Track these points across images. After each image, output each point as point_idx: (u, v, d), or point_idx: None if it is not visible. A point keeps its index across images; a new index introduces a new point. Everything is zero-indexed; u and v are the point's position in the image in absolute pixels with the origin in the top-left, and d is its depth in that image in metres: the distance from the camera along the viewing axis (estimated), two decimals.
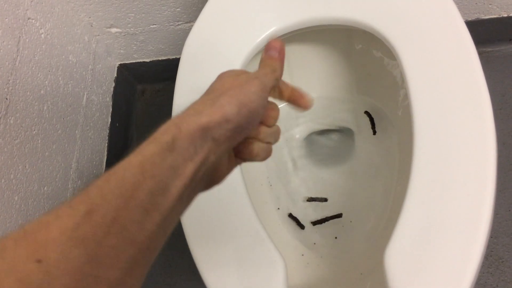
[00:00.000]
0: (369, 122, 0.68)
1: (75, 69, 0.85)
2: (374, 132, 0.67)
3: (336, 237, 0.64)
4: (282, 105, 0.69)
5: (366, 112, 0.69)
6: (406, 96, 0.52)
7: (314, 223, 0.65)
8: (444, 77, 0.50)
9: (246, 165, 0.60)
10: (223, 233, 0.49)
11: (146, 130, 1.09)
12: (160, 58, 1.02)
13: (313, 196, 0.67)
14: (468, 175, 0.45)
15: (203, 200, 0.45)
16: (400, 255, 0.43)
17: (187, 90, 0.58)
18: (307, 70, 0.69)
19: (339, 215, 0.64)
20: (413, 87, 0.51)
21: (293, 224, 0.64)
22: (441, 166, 0.46)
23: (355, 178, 0.68)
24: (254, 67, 0.59)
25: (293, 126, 0.72)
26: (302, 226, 0.64)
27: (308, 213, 0.66)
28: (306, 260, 0.60)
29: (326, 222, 0.65)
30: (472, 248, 0.42)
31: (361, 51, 0.66)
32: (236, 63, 0.57)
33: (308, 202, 0.67)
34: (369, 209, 0.63)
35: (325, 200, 0.67)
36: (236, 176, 0.51)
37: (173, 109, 0.58)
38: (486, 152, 0.46)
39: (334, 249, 0.62)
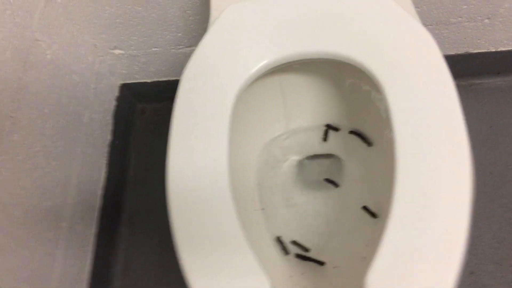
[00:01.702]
0: (356, 146, 0.72)
1: (78, 88, 0.89)
2: (369, 144, 0.70)
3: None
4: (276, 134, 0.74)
5: (352, 132, 0.72)
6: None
7: (298, 256, 0.67)
8: (424, 110, 0.54)
9: (238, 189, 0.64)
10: (212, 253, 0.52)
11: (144, 147, 1.13)
12: (160, 79, 1.05)
13: (298, 239, 0.69)
14: (445, 208, 0.48)
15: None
16: (381, 279, 0.46)
17: (185, 110, 0.62)
18: (300, 99, 0.73)
19: (321, 263, 0.66)
20: (396, 122, 0.54)
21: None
22: (420, 197, 0.49)
23: (343, 208, 0.71)
24: (246, 97, 0.62)
25: (286, 153, 0.75)
26: (286, 252, 0.67)
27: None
28: (295, 281, 0.63)
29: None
30: (447, 275, 0.45)
31: (351, 83, 0.70)
32: (231, 91, 0.61)
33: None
34: (355, 253, 0.65)
35: (306, 250, 0.69)
36: (226, 202, 0.54)
37: (171, 128, 0.61)
38: (461, 188, 0.49)
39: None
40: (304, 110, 0.74)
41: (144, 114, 1.14)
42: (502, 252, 0.92)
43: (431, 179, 0.50)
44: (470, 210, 0.48)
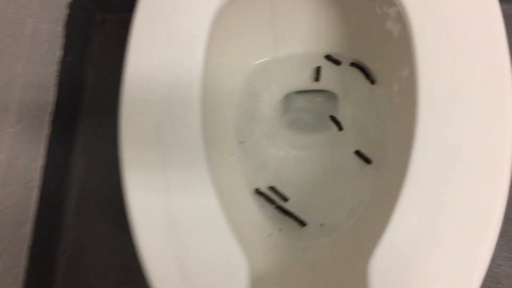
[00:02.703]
0: (357, 82, 0.59)
1: None
2: (372, 82, 0.58)
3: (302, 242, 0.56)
4: (260, 61, 0.60)
5: (354, 64, 0.59)
6: (408, 71, 0.44)
7: (278, 208, 0.57)
8: (461, 59, 0.41)
9: (212, 131, 0.52)
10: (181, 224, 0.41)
11: (104, 66, 0.97)
12: None
13: (277, 179, 0.59)
14: (477, 179, 0.38)
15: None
16: (387, 267, 0.36)
17: (149, 19, 0.48)
18: (293, 22, 0.59)
19: (303, 223, 0.56)
20: (423, 67, 0.42)
21: (260, 200, 0.57)
22: (445, 163, 0.39)
23: (334, 154, 0.60)
24: (227, 13, 0.47)
25: (270, 84, 0.62)
26: (272, 202, 0.57)
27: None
28: (273, 242, 0.53)
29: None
30: (473, 270, 0.35)
31: (358, 3, 0.56)
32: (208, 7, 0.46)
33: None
34: (344, 204, 0.55)
35: (285, 200, 0.59)
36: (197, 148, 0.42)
37: (129, 43, 0.48)
38: (500, 155, 0.38)
39: (299, 245, 0.54)
40: (297, 34, 0.60)
41: (104, 26, 0.96)
42: None
43: (462, 143, 0.39)
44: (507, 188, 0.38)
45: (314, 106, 0.65)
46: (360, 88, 0.59)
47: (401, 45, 0.51)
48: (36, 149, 0.78)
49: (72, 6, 0.86)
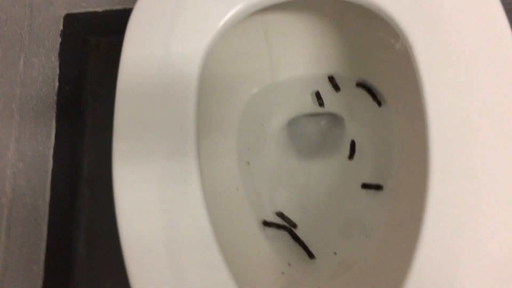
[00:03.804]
0: (363, 103, 0.57)
1: (6, 28, 0.70)
2: (379, 103, 0.55)
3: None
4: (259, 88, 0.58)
5: (360, 84, 0.56)
6: (414, 91, 0.41)
7: (290, 233, 0.55)
8: (469, 79, 0.39)
9: (211, 169, 0.50)
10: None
11: (102, 91, 0.95)
12: (114, 8, 0.85)
13: (285, 207, 0.56)
14: (502, 208, 0.36)
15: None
16: None
17: (139, 44, 0.46)
18: (289, 45, 0.56)
19: (311, 255, 0.54)
20: (428, 85, 0.39)
21: (271, 235, 0.55)
22: (465, 192, 0.36)
23: (342, 179, 0.58)
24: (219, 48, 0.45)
25: (272, 110, 0.60)
26: (284, 228, 0.55)
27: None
28: (287, 280, 0.51)
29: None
30: None
31: (356, 28, 0.53)
32: (198, 47, 0.44)
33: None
34: (357, 231, 0.53)
35: (294, 226, 0.56)
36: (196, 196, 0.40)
37: (120, 64, 0.46)
38: None
39: (315, 282, 0.52)
40: (294, 57, 0.57)
41: (99, 49, 0.95)
42: None
43: (481, 165, 0.37)
44: None
45: (319, 129, 0.63)
46: (367, 110, 0.56)
47: (407, 65, 0.49)
48: (42, 185, 0.77)
49: (65, 34, 0.85)
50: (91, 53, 0.93)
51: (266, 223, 0.55)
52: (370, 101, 0.56)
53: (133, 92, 0.44)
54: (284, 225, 0.56)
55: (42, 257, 0.76)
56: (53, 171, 0.79)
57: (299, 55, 0.57)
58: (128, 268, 0.40)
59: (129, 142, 0.43)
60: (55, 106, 0.81)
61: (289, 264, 0.53)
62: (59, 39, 0.84)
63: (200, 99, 0.44)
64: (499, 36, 0.39)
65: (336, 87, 0.57)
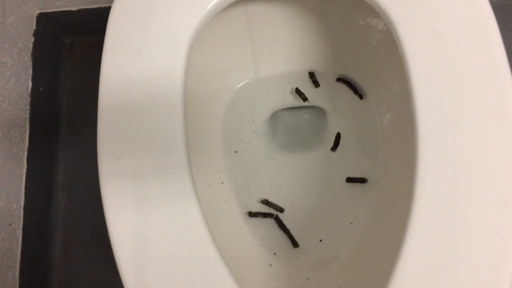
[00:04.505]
0: (345, 97, 0.57)
1: None
2: (361, 97, 0.56)
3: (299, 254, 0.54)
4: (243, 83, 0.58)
5: (340, 79, 0.57)
6: (399, 84, 0.42)
7: (276, 219, 0.55)
8: (455, 66, 0.39)
9: (195, 164, 0.49)
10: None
11: (77, 92, 0.93)
12: (89, 7, 0.84)
13: (270, 199, 0.56)
14: (489, 195, 0.36)
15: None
16: None
17: (120, 45, 0.45)
18: (272, 38, 0.56)
19: (296, 244, 0.54)
20: (416, 78, 0.40)
21: (254, 226, 0.54)
22: (454, 182, 0.37)
23: (327, 170, 0.58)
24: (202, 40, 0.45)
25: (256, 103, 0.60)
26: (270, 215, 0.55)
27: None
28: (275, 272, 0.51)
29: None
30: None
31: (341, 18, 0.53)
32: (183, 37, 0.43)
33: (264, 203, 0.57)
34: (342, 218, 0.53)
35: (281, 211, 0.56)
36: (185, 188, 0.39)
37: (102, 67, 0.45)
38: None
39: (298, 266, 0.52)
40: (278, 52, 0.58)
41: (73, 50, 0.92)
42: None
43: (470, 153, 0.37)
44: None
45: (303, 122, 0.63)
46: (350, 103, 0.57)
47: (390, 57, 0.50)
48: (16, 189, 0.74)
49: (38, 33, 0.82)
50: (65, 53, 0.91)
51: (251, 214, 0.55)
52: (352, 94, 0.56)
53: (116, 99, 0.43)
54: (270, 213, 0.56)
55: (17, 263, 0.73)
56: (27, 174, 0.77)
57: (282, 51, 0.57)
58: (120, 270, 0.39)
59: (114, 156, 0.41)
60: (28, 107, 0.79)
61: (275, 254, 0.52)
62: (32, 39, 0.82)
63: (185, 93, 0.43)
64: (484, 21, 0.40)
65: (316, 83, 0.57)
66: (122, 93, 0.43)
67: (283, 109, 0.62)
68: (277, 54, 0.57)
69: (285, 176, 0.60)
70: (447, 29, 0.40)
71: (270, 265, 0.52)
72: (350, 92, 0.56)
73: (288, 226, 0.54)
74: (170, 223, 0.39)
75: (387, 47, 0.51)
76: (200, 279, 0.37)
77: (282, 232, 0.55)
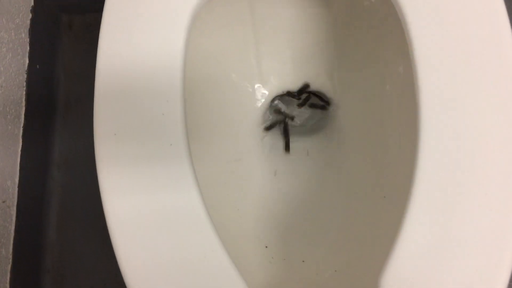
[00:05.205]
0: (348, 87, 0.57)
1: None
2: (324, 107, 0.57)
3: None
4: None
5: (303, 91, 0.58)
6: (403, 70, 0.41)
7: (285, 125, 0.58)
8: (463, 56, 0.39)
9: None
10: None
11: (75, 71, 0.92)
12: None
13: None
14: (492, 183, 0.36)
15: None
16: (401, 282, 0.34)
17: (117, 23, 0.44)
18: (276, 21, 0.55)
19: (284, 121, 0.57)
20: (422, 69, 0.39)
21: (254, 213, 0.54)
22: (455, 168, 0.36)
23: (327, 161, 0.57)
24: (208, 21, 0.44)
25: (256, 90, 0.59)
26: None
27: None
28: (271, 253, 0.51)
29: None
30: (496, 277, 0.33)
31: (344, 3, 0.53)
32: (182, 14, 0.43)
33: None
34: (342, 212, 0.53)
35: (292, 118, 0.60)
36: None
37: (99, 45, 0.44)
38: None
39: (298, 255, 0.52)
40: (281, 35, 0.57)
41: (72, 29, 0.91)
42: None
43: (471, 144, 0.37)
44: None
45: (301, 114, 0.63)
46: (351, 89, 0.56)
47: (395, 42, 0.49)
48: (10, 166, 0.74)
49: (35, 10, 0.81)
50: (63, 31, 0.90)
51: (268, 127, 0.58)
52: (354, 90, 0.56)
53: (113, 86, 0.42)
54: (281, 119, 0.59)
55: (10, 241, 0.73)
56: (22, 151, 0.76)
57: (284, 33, 0.56)
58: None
59: (112, 145, 0.40)
60: (24, 84, 0.78)
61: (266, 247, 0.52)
62: (30, 15, 0.80)
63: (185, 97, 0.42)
64: (495, 19, 0.39)
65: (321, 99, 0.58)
66: (120, 72, 0.42)
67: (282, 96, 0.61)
68: (281, 35, 0.57)
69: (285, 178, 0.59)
70: (455, 15, 0.39)
71: (266, 247, 0.51)
72: (350, 89, 0.56)
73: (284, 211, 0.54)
74: (166, 205, 0.38)
75: (392, 32, 0.50)
76: (198, 261, 0.37)
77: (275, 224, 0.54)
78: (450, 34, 0.39)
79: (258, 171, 0.58)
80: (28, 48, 0.79)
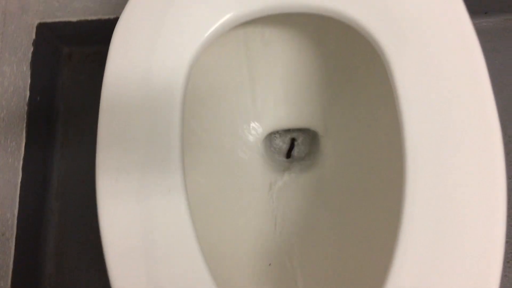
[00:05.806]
0: (339, 124, 0.59)
1: None
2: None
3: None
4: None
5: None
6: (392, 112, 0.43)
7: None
8: (444, 93, 0.41)
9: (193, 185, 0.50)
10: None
11: (74, 102, 0.94)
12: (88, 18, 0.84)
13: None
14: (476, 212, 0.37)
15: None
16: None
17: (123, 54, 0.46)
18: (270, 60, 0.57)
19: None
20: (405, 106, 0.41)
21: (255, 230, 0.55)
22: (442, 216, 0.38)
23: (322, 195, 0.59)
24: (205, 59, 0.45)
25: (250, 126, 0.61)
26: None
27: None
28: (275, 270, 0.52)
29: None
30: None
31: (337, 44, 0.55)
32: (187, 50, 0.44)
33: None
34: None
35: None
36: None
37: (104, 77, 0.46)
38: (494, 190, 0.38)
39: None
40: (274, 74, 0.59)
41: (71, 60, 0.93)
42: None
43: (452, 169, 0.38)
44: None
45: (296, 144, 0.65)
46: (342, 126, 0.58)
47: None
48: (10, 198, 0.74)
49: (36, 43, 0.83)
50: (63, 63, 0.92)
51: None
52: (345, 118, 0.58)
53: (118, 102, 0.44)
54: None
55: (9, 273, 0.73)
56: (22, 183, 0.77)
57: (277, 72, 0.58)
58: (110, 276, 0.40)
59: (112, 153, 0.42)
60: (25, 116, 0.79)
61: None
62: (31, 48, 0.82)
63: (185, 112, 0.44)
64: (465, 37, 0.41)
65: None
66: (124, 93, 0.44)
67: (278, 131, 0.63)
68: (274, 74, 0.58)
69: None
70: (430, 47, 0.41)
71: (270, 264, 0.53)
72: (343, 116, 0.58)
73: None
74: (160, 223, 0.40)
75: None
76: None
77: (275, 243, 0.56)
78: (435, 88, 0.41)
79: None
80: (29, 80, 0.81)
